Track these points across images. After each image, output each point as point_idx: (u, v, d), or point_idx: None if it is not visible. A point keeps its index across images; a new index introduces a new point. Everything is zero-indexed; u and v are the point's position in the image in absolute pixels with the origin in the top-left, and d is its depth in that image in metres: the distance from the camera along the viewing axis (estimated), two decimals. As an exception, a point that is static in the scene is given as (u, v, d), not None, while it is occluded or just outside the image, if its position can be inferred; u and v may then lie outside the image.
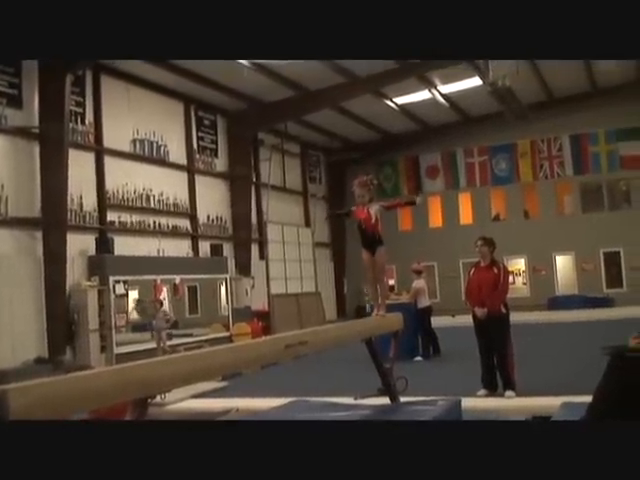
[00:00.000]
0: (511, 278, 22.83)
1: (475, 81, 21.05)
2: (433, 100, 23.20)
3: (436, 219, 28.45)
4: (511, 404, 7.99)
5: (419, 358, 13.22)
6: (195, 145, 19.93)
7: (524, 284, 26.91)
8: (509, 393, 8.39)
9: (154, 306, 15.01)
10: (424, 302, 13.70)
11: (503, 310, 8.64)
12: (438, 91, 22.57)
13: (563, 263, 26.52)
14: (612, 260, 25.59)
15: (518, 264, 26.81)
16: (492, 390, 8.62)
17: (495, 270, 8.70)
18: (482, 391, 8.63)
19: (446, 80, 21.42)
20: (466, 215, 27.87)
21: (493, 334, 8.53)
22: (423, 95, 22.68)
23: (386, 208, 6.99)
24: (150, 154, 17.81)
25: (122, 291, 15.31)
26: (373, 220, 6.68)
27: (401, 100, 23.02)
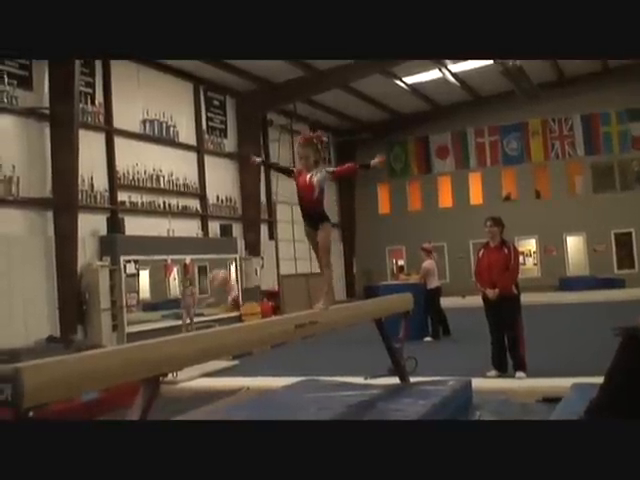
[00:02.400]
0: (521, 259, 22.89)
1: (486, 60, 20.93)
2: (443, 79, 23.07)
3: (446, 199, 28.39)
4: (521, 385, 7.99)
5: (429, 338, 13.24)
6: (204, 125, 19.92)
7: (535, 265, 26.88)
8: (520, 374, 8.39)
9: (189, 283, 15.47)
10: (434, 282, 13.69)
11: (514, 291, 8.62)
12: (448, 70, 22.44)
13: (574, 244, 26.46)
14: (623, 241, 25.52)
15: (529, 245, 26.79)
16: (502, 371, 8.62)
17: (505, 250, 8.66)
18: (492, 372, 8.63)
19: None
20: (476, 195, 27.80)
21: (504, 315, 8.51)
22: (433, 74, 22.56)
23: (335, 174, 5.70)
24: (160, 135, 17.80)
25: (133, 271, 15.36)
26: (316, 192, 5.45)
27: (411, 79, 22.90)
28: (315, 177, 5.41)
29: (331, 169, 5.63)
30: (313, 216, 5.58)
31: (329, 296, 5.71)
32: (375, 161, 5.70)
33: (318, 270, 20.53)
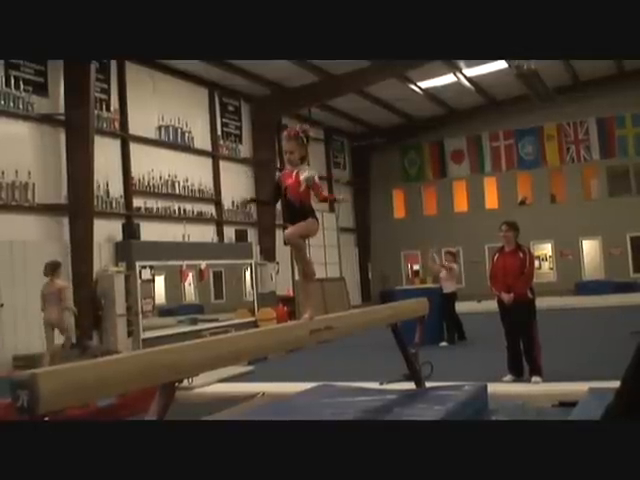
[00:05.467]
0: (537, 263, 22.79)
1: (501, 64, 20.90)
2: (458, 83, 23.05)
3: (461, 204, 28.32)
4: (537, 390, 7.95)
5: (444, 343, 13.22)
6: (219, 131, 19.98)
7: (551, 269, 26.75)
8: (535, 379, 8.35)
9: None
10: (450, 287, 13.68)
11: (529, 295, 8.59)
12: (463, 74, 22.41)
13: (590, 247, 26.32)
14: (639, 244, 25.35)
15: (545, 249, 26.67)
16: (518, 375, 8.58)
17: (521, 255, 8.64)
18: (508, 376, 8.59)
19: (471, 63, 21.25)
20: (492, 200, 27.72)
21: (519, 319, 8.48)
22: (448, 79, 22.54)
23: (314, 185, 5.11)
24: (175, 140, 17.87)
25: (148, 276, 15.40)
26: (302, 187, 5.06)
27: (426, 84, 22.89)
28: (302, 174, 5.04)
29: (316, 177, 5.13)
30: (299, 214, 5.13)
31: (312, 301, 5.40)
32: (340, 198, 6.15)
33: (333, 275, 20.45)
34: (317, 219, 5.22)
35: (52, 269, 10.83)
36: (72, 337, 11.23)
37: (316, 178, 5.09)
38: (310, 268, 5.43)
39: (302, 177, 5.03)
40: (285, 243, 5.44)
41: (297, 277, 21.42)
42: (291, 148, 5.12)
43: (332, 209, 25.63)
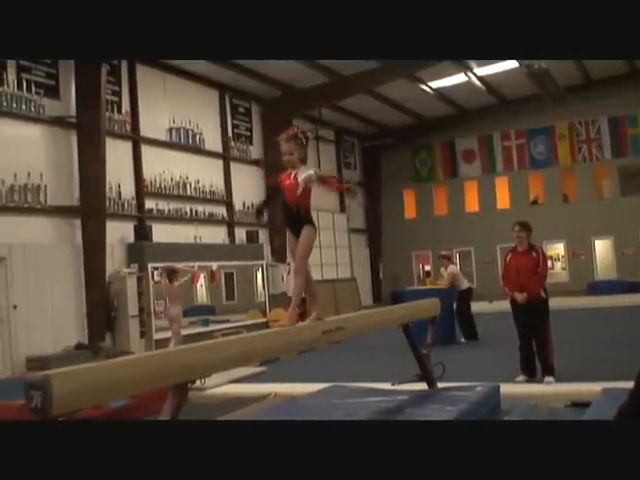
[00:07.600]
0: (550, 263, 22.68)
1: (511, 63, 20.82)
2: (469, 83, 22.98)
3: (473, 204, 28.23)
4: (550, 390, 7.92)
5: (463, 340, 13.24)
6: (230, 133, 20.00)
7: (563, 269, 26.64)
8: (548, 379, 8.33)
9: None
10: (464, 284, 13.70)
11: (543, 295, 8.57)
12: (474, 74, 22.34)
13: (602, 247, 26.19)
14: (652, 244, 25.21)
15: (557, 249, 26.56)
16: (531, 376, 8.56)
17: (534, 255, 8.63)
18: (521, 377, 8.57)
19: (482, 62, 21.18)
20: (503, 199, 27.62)
21: (532, 319, 8.46)
22: (459, 78, 22.47)
23: (319, 179, 5.24)
24: (186, 142, 17.90)
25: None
26: (299, 190, 5.07)
27: (436, 84, 22.83)
28: (300, 175, 5.04)
29: (319, 172, 5.23)
30: (295, 218, 5.17)
31: (316, 302, 5.45)
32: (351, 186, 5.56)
33: (344, 275, 20.50)
34: (314, 225, 5.24)
35: (172, 275, 12.45)
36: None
37: (314, 174, 5.06)
38: (313, 285, 5.59)
39: (301, 178, 5.01)
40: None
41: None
42: (290, 149, 5.11)
43: (343, 209, 25.63)
